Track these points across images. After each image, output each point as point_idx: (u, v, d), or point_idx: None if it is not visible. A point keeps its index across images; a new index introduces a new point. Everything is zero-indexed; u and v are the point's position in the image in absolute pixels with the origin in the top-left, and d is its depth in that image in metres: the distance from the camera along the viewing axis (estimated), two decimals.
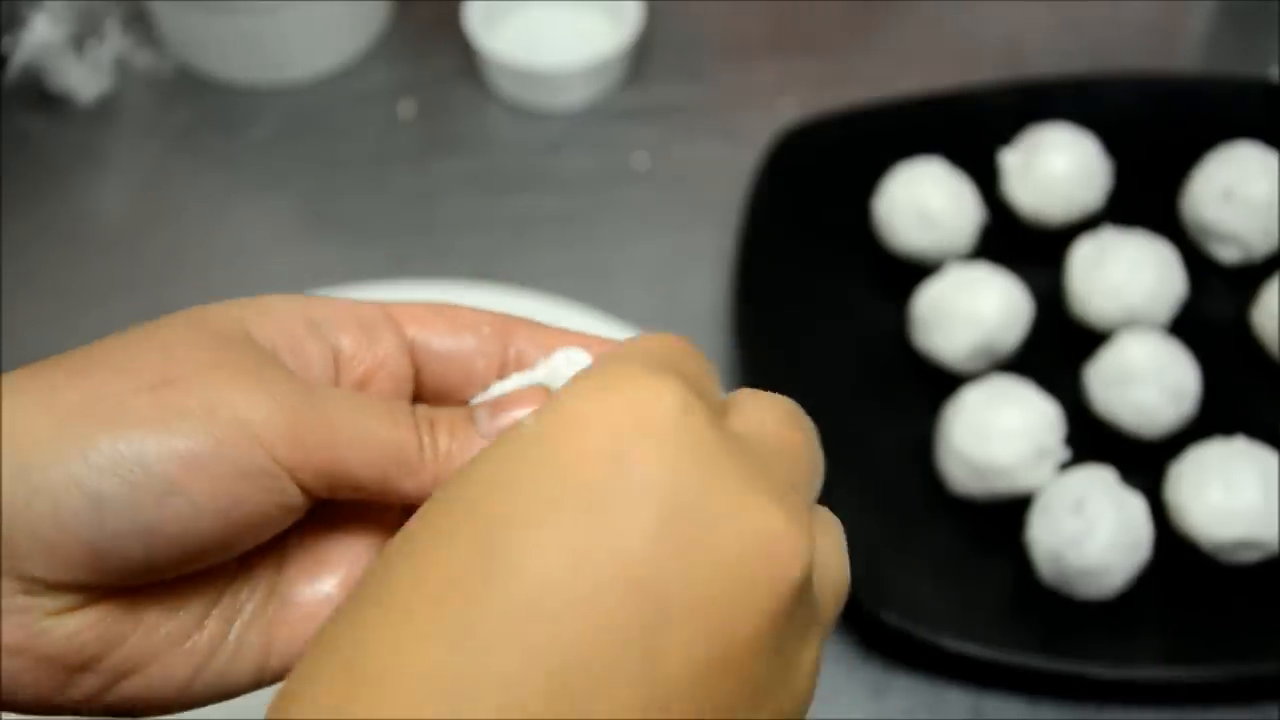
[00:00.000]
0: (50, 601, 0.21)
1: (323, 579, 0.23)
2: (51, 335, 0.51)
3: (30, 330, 0.51)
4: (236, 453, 0.21)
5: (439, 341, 0.24)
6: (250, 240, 0.55)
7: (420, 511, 0.19)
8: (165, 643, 0.22)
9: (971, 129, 0.52)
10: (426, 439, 0.22)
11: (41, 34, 0.57)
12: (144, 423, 0.21)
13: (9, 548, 0.20)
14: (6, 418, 0.20)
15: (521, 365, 0.25)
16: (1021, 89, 0.53)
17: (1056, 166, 0.49)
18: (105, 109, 0.58)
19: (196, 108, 0.58)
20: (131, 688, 0.22)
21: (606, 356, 0.21)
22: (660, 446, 0.18)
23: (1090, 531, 0.41)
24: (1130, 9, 0.62)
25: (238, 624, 0.23)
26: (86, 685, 0.21)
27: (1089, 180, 0.50)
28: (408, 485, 0.22)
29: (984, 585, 0.43)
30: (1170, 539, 0.43)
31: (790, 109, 0.56)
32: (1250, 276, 0.50)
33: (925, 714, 0.42)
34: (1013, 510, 0.44)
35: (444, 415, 0.23)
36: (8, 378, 0.21)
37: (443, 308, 0.25)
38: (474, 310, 0.25)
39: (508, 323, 0.25)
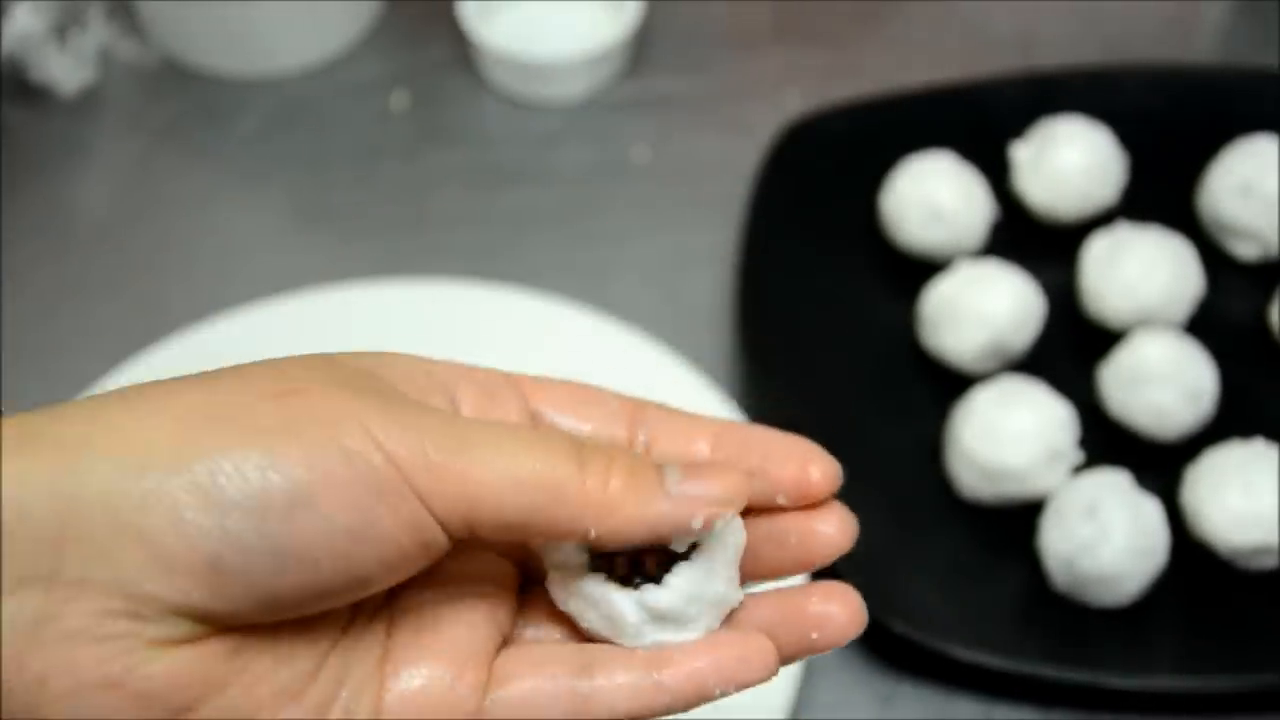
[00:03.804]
0: (154, 629, 0.19)
1: (428, 661, 0.22)
2: (34, 332, 0.50)
3: (13, 327, 0.50)
4: (368, 467, 0.20)
5: (561, 418, 0.24)
6: (238, 236, 0.54)
7: None
8: (270, 696, 0.20)
9: (982, 122, 0.51)
10: (594, 474, 0.21)
11: (23, 24, 0.56)
12: (270, 429, 0.20)
13: (119, 557, 0.19)
14: (123, 422, 0.19)
15: (650, 456, 0.23)
16: (1033, 80, 0.53)
17: (1069, 160, 0.49)
18: (88, 101, 0.57)
19: (182, 99, 0.58)
20: None
21: None
22: None
23: (1104, 537, 0.40)
24: None
25: (347, 689, 0.21)
26: None
27: (1103, 175, 0.49)
28: (560, 514, 0.21)
29: (994, 592, 0.43)
30: (1187, 544, 0.42)
31: (795, 101, 0.55)
32: (1269, 274, 0.49)
33: None
34: (1024, 515, 0.43)
35: (626, 455, 0.21)
36: (121, 389, 0.20)
37: (571, 384, 0.24)
38: (603, 391, 0.24)
39: (639, 407, 0.24)
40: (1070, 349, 0.47)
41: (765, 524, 0.24)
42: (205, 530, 0.19)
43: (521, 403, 0.23)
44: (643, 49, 0.58)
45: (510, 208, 0.54)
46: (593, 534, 0.21)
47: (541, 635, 0.23)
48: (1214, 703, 0.41)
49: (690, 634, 0.22)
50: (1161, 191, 0.50)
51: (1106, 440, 0.44)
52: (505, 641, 0.23)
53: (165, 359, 0.45)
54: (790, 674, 0.40)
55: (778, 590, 0.24)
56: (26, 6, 0.56)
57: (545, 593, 0.23)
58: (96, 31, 0.58)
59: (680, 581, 0.22)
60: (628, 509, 0.21)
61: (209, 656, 0.20)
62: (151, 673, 0.19)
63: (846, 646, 0.42)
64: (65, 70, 0.57)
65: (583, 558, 0.22)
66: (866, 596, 0.41)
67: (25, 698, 0.19)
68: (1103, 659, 0.41)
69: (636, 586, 0.22)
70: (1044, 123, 0.50)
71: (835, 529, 0.24)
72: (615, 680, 0.22)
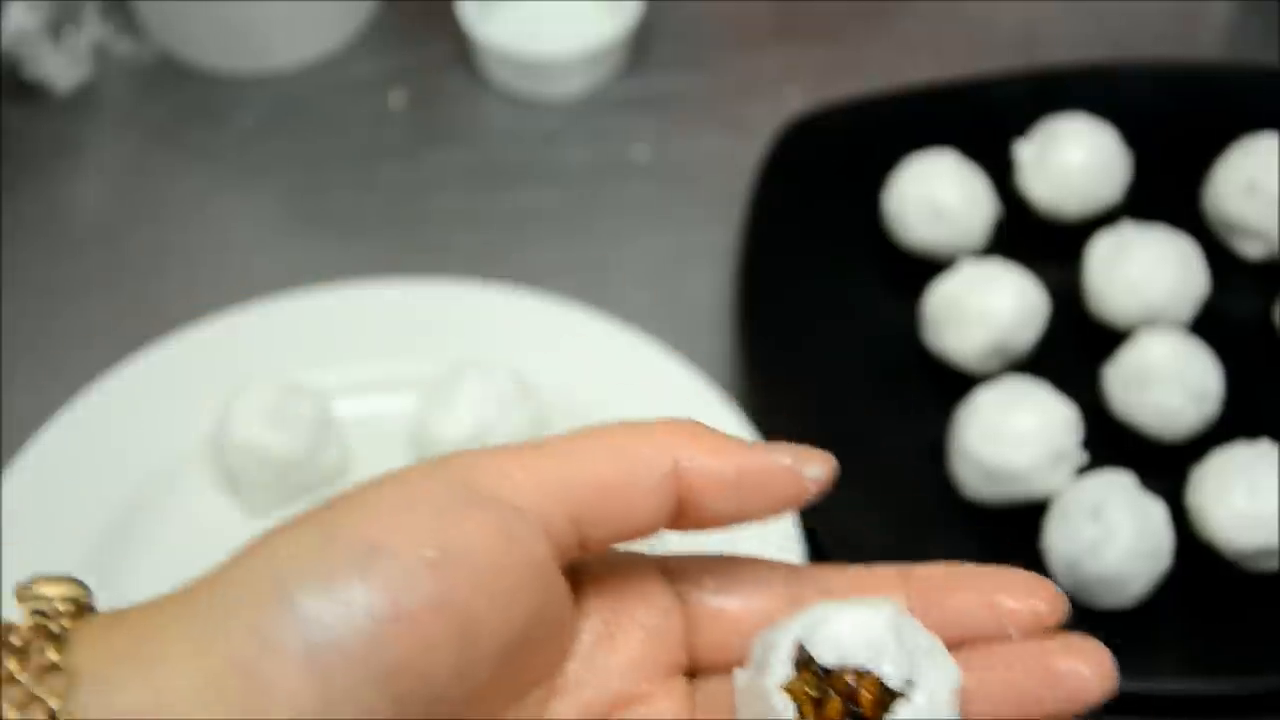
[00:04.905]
0: None
1: None
2: (30, 331, 0.50)
3: (9, 326, 0.49)
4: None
5: (715, 597, 0.22)
6: (234, 235, 0.53)
7: None
8: None
9: (985, 120, 0.51)
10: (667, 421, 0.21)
11: (17, 21, 0.55)
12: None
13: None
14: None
15: None
16: (1037, 78, 0.52)
17: (1073, 159, 0.48)
18: (83, 99, 0.57)
19: (178, 97, 0.57)
20: None
21: None
22: None
23: (1108, 538, 0.40)
24: None
25: None
26: None
27: (1107, 173, 0.49)
28: (644, 452, 0.20)
29: None
30: (1192, 546, 0.42)
31: (797, 99, 0.55)
32: (1275, 273, 0.49)
33: None
34: (1028, 516, 0.43)
35: None
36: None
37: (724, 558, 0.22)
38: (768, 564, 0.22)
39: (803, 573, 0.22)
40: (1074, 349, 0.47)
41: (1003, 669, 0.21)
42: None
43: (666, 597, 0.22)
44: (642, 46, 0.58)
45: (509, 207, 0.54)
46: (684, 463, 0.20)
47: None
48: (1219, 706, 0.41)
49: None
50: (1166, 190, 0.50)
51: (1111, 441, 0.44)
52: None
53: (163, 358, 0.45)
54: None
55: None
56: (21, 4, 0.56)
57: None
58: (91, 29, 0.57)
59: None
60: (710, 438, 0.20)
61: None
62: None
63: None
64: (60, 68, 0.56)
65: (791, 711, 0.20)
66: None
67: None
68: None
69: None
70: (1048, 121, 0.50)
71: (1090, 669, 0.21)
72: None
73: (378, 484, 0.20)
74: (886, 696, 0.20)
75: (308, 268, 0.50)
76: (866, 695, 0.20)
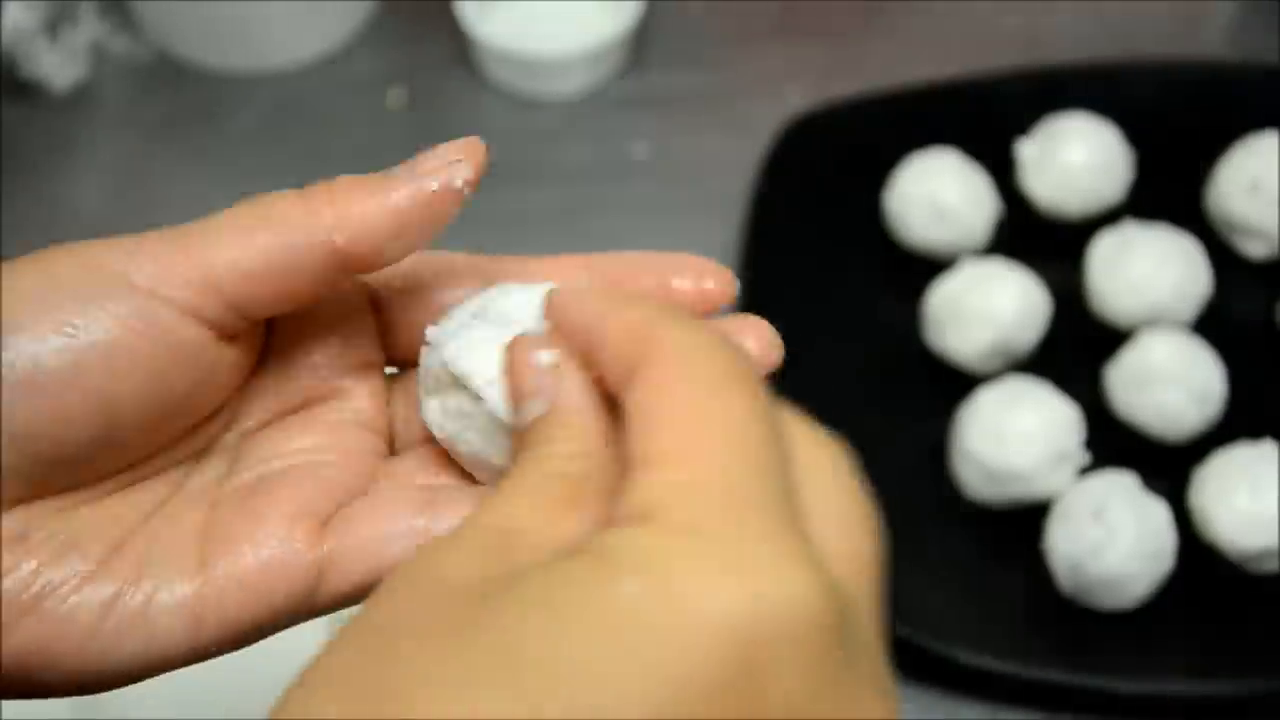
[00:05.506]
0: None
1: (257, 527, 0.21)
2: None
3: None
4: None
5: (407, 296, 0.23)
6: None
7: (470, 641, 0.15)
8: (63, 579, 0.20)
9: (987, 118, 0.51)
10: (317, 190, 0.21)
11: (13, 19, 0.55)
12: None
13: None
14: None
15: None
16: (1039, 76, 0.52)
17: (1075, 158, 0.48)
18: (80, 98, 0.57)
19: (176, 96, 0.57)
20: (27, 633, 0.19)
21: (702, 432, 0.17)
22: (797, 670, 0.16)
23: (1111, 539, 0.40)
24: None
25: (154, 567, 0.20)
26: None
27: (1109, 172, 0.49)
28: (295, 235, 0.20)
29: (1000, 595, 0.43)
30: (1194, 547, 0.42)
31: (798, 97, 0.55)
32: (1278, 272, 0.48)
33: None
34: (1030, 517, 0.43)
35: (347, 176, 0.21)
36: None
37: (422, 258, 0.23)
38: (460, 258, 0.24)
39: (491, 263, 0.23)
40: (1076, 349, 0.46)
41: None
42: None
43: (358, 287, 0.23)
44: (643, 45, 0.58)
45: (509, 206, 0.54)
46: (339, 240, 0.20)
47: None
48: (1222, 707, 0.41)
49: None
50: (1169, 189, 0.50)
51: (1113, 442, 0.44)
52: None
53: None
54: None
55: None
56: (18, 3, 0.56)
57: (409, 460, 0.22)
58: (89, 27, 0.57)
59: None
60: (359, 195, 0.21)
61: None
62: None
63: None
64: (56, 67, 0.56)
65: (450, 375, 0.21)
66: None
67: None
68: (1110, 663, 0.41)
69: None
70: (1050, 119, 0.49)
71: (755, 344, 0.22)
72: (461, 513, 0.21)
73: (22, 268, 0.20)
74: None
75: None
76: None
